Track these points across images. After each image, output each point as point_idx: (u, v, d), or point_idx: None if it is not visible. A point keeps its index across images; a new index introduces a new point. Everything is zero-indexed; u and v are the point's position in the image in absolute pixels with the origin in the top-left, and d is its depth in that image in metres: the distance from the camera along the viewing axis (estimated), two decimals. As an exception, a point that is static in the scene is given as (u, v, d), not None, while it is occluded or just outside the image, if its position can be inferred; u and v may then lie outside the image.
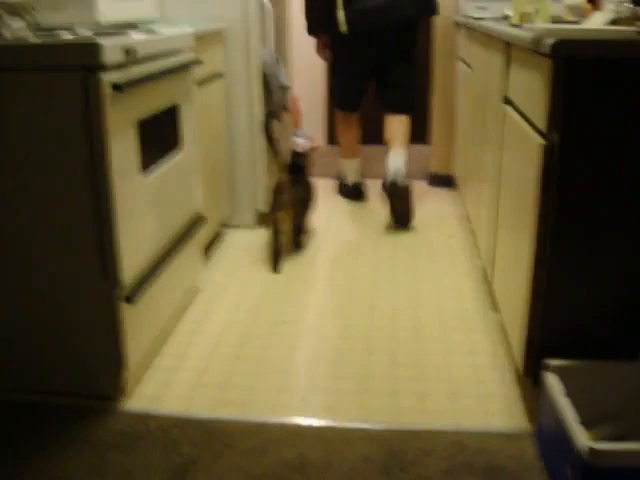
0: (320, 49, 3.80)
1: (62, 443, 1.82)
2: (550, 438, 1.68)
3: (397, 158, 3.39)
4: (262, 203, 3.46)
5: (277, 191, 2.93)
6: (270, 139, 2.99)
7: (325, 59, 3.89)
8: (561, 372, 1.70)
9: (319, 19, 3.56)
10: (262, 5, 3.21)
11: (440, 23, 3.98)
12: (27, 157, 1.79)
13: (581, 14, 2.54)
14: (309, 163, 3.26)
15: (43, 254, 1.87)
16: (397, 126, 3.59)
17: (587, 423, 1.59)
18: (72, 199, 1.80)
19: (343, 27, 3.44)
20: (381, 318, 2.49)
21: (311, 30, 3.66)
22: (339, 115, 3.89)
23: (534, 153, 1.74)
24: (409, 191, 3.37)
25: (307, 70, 4.94)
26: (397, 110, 3.64)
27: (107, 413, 1.94)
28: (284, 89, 3.40)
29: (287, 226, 3.02)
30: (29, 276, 1.90)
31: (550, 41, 1.55)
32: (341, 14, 3.42)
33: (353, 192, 3.98)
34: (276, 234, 2.95)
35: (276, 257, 2.98)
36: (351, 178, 3.98)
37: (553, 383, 1.66)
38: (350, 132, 3.90)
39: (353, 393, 2.04)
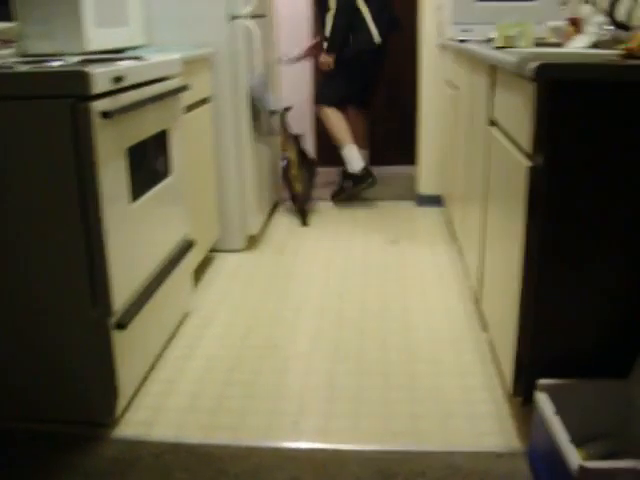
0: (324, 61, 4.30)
1: (54, 471, 1.81)
2: (542, 457, 1.69)
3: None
4: (252, 227, 3.47)
5: (288, 168, 3.97)
6: (285, 130, 4.04)
7: (328, 66, 4.28)
8: (551, 391, 1.71)
9: (343, 40, 4.20)
10: (248, 29, 3.24)
11: (426, 45, 4.02)
12: (16, 186, 1.79)
13: (563, 36, 2.58)
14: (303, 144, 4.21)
15: (34, 282, 1.87)
16: (361, 123, 4.54)
17: (578, 441, 1.60)
18: (62, 227, 1.80)
19: (377, 39, 4.17)
20: (371, 340, 2.50)
21: (334, 49, 4.20)
22: (329, 109, 4.31)
23: (520, 174, 1.76)
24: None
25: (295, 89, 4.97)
26: (364, 107, 4.57)
27: (99, 440, 1.94)
28: (272, 113, 3.42)
29: (300, 188, 4.00)
30: (20, 304, 1.89)
31: (533, 65, 1.58)
32: (375, 31, 4.16)
33: (364, 177, 4.27)
34: (295, 198, 4.01)
35: (302, 214, 3.96)
36: (357, 163, 4.27)
37: (544, 402, 1.67)
38: (343, 119, 4.34)
39: (345, 416, 2.04)
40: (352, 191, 4.35)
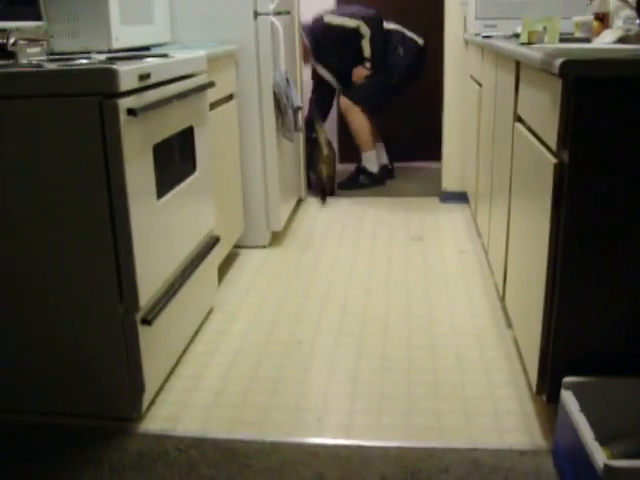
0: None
1: (80, 465, 1.84)
2: (566, 455, 1.68)
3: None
4: (276, 223, 3.48)
5: (318, 150, 4.42)
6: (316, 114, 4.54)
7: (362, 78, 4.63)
8: (577, 389, 1.71)
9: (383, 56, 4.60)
10: (273, 26, 3.25)
11: (450, 41, 4.01)
12: (44, 183, 1.81)
13: (590, 31, 2.56)
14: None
15: (61, 278, 1.89)
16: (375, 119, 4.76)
17: (603, 440, 1.59)
18: (89, 224, 1.83)
19: (420, 40, 4.62)
20: (395, 336, 2.50)
21: (378, 67, 4.58)
22: (360, 111, 4.60)
23: (546, 171, 1.75)
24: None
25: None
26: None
27: (124, 434, 1.96)
28: (295, 109, 3.42)
29: (326, 170, 4.42)
30: (47, 299, 1.92)
31: (559, 61, 1.57)
32: (414, 35, 4.62)
33: (382, 178, 4.74)
34: (320, 178, 4.40)
35: (324, 193, 4.37)
36: (376, 166, 4.71)
37: (569, 399, 1.66)
38: (369, 122, 4.63)
39: (369, 412, 2.04)
40: (366, 186, 4.71)
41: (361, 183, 4.71)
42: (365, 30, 4.46)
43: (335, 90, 4.89)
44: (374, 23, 4.48)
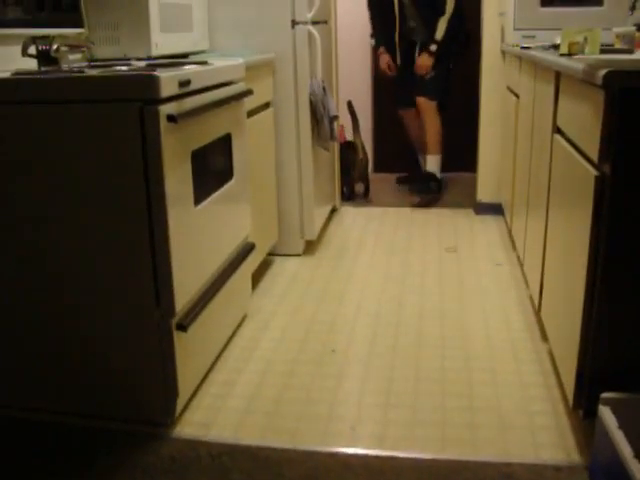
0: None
1: (114, 467, 1.85)
2: (603, 471, 1.65)
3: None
4: (310, 231, 3.48)
5: (354, 153, 4.56)
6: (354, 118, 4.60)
7: (427, 70, 4.41)
8: (615, 405, 1.68)
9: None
10: (310, 34, 3.26)
11: (487, 51, 3.99)
12: (84, 188, 1.83)
13: (632, 43, 2.53)
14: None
15: (98, 282, 1.91)
16: None
17: (641, 457, 1.57)
18: (128, 229, 1.84)
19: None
20: (429, 347, 2.48)
21: (450, 53, 4.38)
22: (438, 112, 4.49)
23: (586, 183, 1.73)
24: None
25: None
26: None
27: (158, 439, 1.97)
28: (332, 118, 3.43)
29: (358, 173, 4.60)
30: (84, 303, 1.94)
31: (603, 72, 1.55)
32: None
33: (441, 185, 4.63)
34: (352, 179, 4.59)
35: (367, 184, 4.63)
36: (438, 174, 4.56)
37: (607, 416, 1.64)
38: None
39: (402, 423, 2.03)
40: (435, 193, 4.54)
41: (432, 189, 4.54)
42: (450, 6, 4.22)
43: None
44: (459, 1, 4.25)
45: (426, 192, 4.49)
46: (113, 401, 2.02)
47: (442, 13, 4.23)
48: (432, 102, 4.45)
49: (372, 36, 4.86)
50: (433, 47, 4.31)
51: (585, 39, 2.45)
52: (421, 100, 4.47)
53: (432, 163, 4.55)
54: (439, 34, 4.27)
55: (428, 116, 4.47)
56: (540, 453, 1.88)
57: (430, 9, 4.30)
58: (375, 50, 4.79)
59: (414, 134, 4.78)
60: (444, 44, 4.30)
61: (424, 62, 4.37)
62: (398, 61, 4.60)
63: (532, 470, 1.81)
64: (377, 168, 5.23)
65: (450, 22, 4.24)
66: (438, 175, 4.56)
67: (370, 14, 4.69)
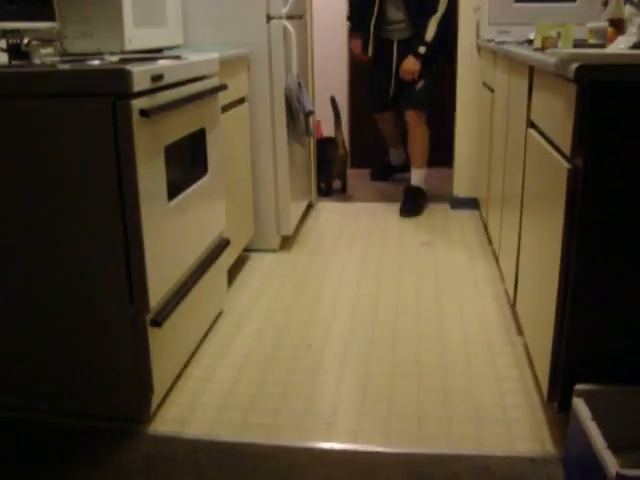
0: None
1: (89, 465, 1.83)
2: (577, 463, 1.67)
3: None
4: (286, 227, 3.47)
5: (335, 148, 4.53)
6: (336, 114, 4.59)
7: (413, 75, 4.07)
8: (588, 397, 1.69)
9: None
10: (285, 29, 3.25)
11: (463, 47, 4.00)
12: (56, 183, 1.81)
13: (604, 38, 2.55)
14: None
15: (72, 278, 1.89)
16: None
17: (615, 449, 1.58)
18: (100, 225, 1.83)
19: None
20: (405, 342, 2.49)
21: (435, 56, 4.04)
22: (426, 124, 4.22)
23: (559, 177, 1.74)
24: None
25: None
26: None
27: (133, 436, 1.95)
28: (307, 114, 3.42)
29: (337, 170, 4.60)
30: (58, 299, 1.92)
31: (574, 65, 1.56)
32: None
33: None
34: (331, 175, 4.59)
35: (328, 186, 4.61)
36: (424, 188, 4.30)
37: (581, 408, 1.65)
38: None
39: (378, 417, 2.03)
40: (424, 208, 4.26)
41: (420, 204, 4.21)
42: (443, 5, 3.86)
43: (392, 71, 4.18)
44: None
45: (416, 211, 4.16)
46: (88, 398, 2.01)
47: (433, 11, 3.88)
48: (422, 114, 4.14)
49: (348, 19, 4.59)
50: (422, 49, 3.94)
51: (558, 34, 2.46)
52: (411, 113, 4.15)
53: (419, 177, 4.26)
54: (429, 35, 3.90)
55: (418, 129, 4.16)
56: (515, 445, 1.89)
57: (419, 3, 3.94)
58: (351, 33, 4.51)
59: (389, 135, 4.70)
60: (433, 47, 3.95)
61: (411, 66, 4.00)
62: (369, 53, 4.21)
63: (507, 462, 1.82)
64: (354, 163, 5.23)
65: (441, 22, 3.91)
66: (424, 187, 4.27)
67: None
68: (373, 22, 4.11)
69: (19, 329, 1.97)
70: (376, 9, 4.06)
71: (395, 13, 4.08)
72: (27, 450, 1.91)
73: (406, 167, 4.57)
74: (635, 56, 1.93)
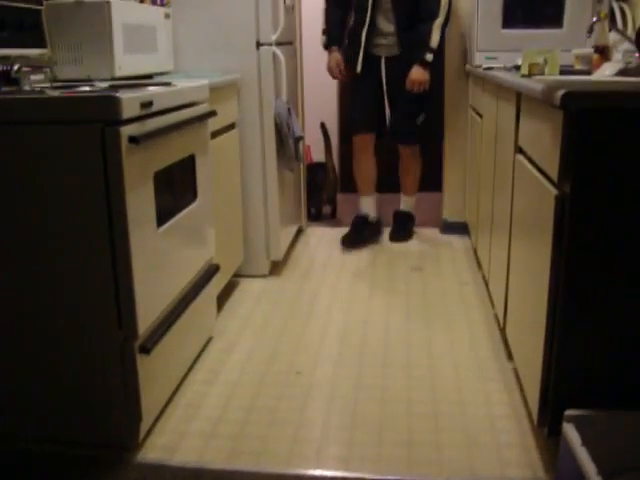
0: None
1: (76, 495, 1.81)
2: (568, 490, 1.66)
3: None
4: (276, 252, 3.47)
5: (326, 174, 4.61)
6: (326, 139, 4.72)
7: (424, 87, 3.75)
8: (579, 422, 1.69)
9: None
10: (275, 56, 3.27)
11: (450, 71, 4.03)
12: (44, 209, 1.81)
13: (590, 64, 2.58)
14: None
15: (59, 304, 1.88)
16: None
17: (605, 475, 1.57)
18: (89, 250, 1.82)
19: None
20: (395, 368, 2.48)
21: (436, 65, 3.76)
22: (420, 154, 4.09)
23: (547, 202, 1.75)
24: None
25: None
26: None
27: (121, 464, 1.94)
28: (297, 139, 3.43)
29: (327, 195, 4.65)
30: (46, 325, 1.91)
31: (561, 92, 1.57)
32: None
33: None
34: (321, 200, 4.63)
35: (334, 204, 4.71)
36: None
37: (571, 434, 1.64)
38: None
39: (368, 444, 2.02)
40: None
41: (412, 231, 4.20)
42: (443, 9, 3.58)
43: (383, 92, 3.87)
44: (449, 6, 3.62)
45: (406, 237, 4.13)
46: (76, 426, 1.99)
47: (431, 17, 3.60)
48: (418, 148, 4.02)
49: (324, 32, 3.95)
50: (429, 56, 3.62)
51: (545, 60, 2.48)
52: (407, 149, 4.02)
53: (410, 203, 4.19)
54: (434, 41, 3.61)
55: (413, 162, 4.06)
56: (506, 471, 1.88)
57: (412, 9, 3.65)
58: (326, 49, 3.95)
59: (364, 172, 4.12)
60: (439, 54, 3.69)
61: (420, 76, 3.66)
62: (358, 69, 3.82)
63: (498, 489, 1.81)
64: (343, 188, 5.24)
65: (443, 29, 3.63)
66: (413, 213, 4.21)
67: (325, 5, 3.92)
68: (365, 33, 3.74)
69: (5, 355, 1.96)
70: (368, 19, 3.70)
71: (386, 25, 3.73)
72: (13, 478, 1.89)
73: (380, 227, 4.25)
74: (620, 83, 1.95)
